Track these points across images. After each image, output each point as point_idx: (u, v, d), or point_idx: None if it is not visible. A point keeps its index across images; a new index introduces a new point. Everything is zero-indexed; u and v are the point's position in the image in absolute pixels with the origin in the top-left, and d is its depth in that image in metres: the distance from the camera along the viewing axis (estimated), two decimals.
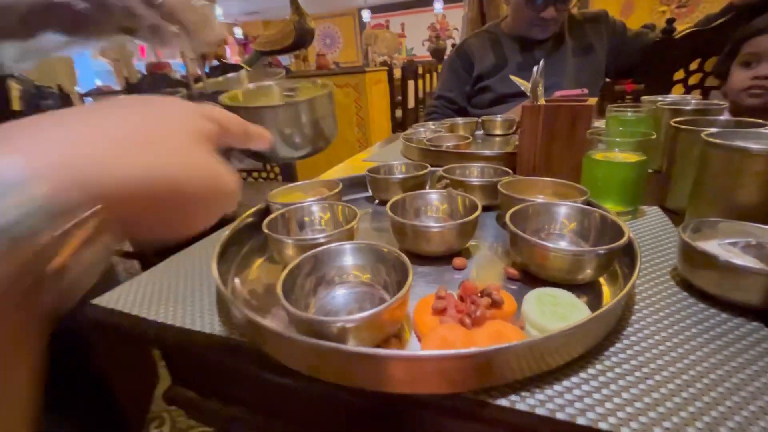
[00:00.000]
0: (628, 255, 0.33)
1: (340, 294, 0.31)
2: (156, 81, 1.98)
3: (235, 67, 1.78)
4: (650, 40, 1.19)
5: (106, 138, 0.14)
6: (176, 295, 0.37)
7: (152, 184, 0.15)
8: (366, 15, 6.77)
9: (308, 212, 0.42)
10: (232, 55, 6.90)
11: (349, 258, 0.32)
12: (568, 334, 0.24)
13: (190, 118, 0.18)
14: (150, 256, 1.71)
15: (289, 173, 1.89)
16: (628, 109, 0.67)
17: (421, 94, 3.32)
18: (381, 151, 0.96)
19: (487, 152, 0.70)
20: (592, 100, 0.56)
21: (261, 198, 0.53)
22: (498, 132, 0.98)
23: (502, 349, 0.22)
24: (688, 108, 0.59)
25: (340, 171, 0.82)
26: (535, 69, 0.56)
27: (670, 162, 0.48)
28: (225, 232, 0.41)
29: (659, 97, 0.71)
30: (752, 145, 0.35)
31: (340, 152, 2.73)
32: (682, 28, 1.18)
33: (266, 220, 0.39)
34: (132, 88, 2.01)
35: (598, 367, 0.25)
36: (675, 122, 0.47)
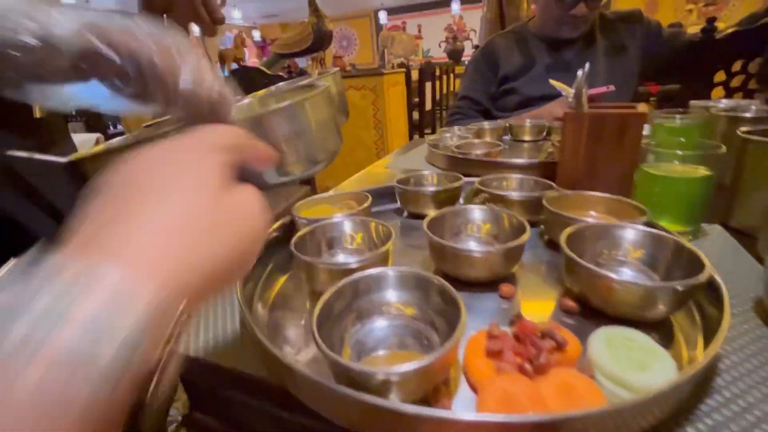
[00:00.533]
0: (707, 290, 0.29)
1: (379, 327, 0.28)
2: None
3: (254, 70, 1.77)
4: (688, 40, 1.13)
5: (171, 231, 0.15)
6: (198, 322, 0.34)
7: (216, 266, 0.16)
8: (382, 17, 6.76)
9: (339, 229, 0.39)
10: (250, 58, 6.99)
11: (391, 286, 0.29)
12: (665, 393, 0.20)
13: (207, 167, 0.17)
14: None
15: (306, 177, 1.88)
16: (677, 116, 0.62)
17: (438, 96, 3.27)
18: (404, 157, 0.92)
19: (521, 161, 0.66)
20: (643, 107, 0.52)
21: (279, 202, 0.50)
22: (527, 138, 0.93)
23: (586, 415, 0.18)
24: (748, 115, 0.54)
25: (361, 178, 0.79)
26: (579, 72, 0.51)
27: (737, 176, 0.43)
28: None
29: (710, 102, 0.66)
30: None
31: (357, 155, 2.71)
32: (723, 27, 1.11)
33: (294, 239, 0.36)
34: None
35: (690, 431, 0.21)
36: (744, 132, 0.42)
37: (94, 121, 2.23)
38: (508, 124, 0.96)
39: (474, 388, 0.24)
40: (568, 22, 1.04)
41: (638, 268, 0.33)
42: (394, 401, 0.20)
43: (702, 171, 0.40)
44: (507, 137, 0.97)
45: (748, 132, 0.42)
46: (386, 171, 0.82)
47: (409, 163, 0.85)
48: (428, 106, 3.18)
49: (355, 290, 0.28)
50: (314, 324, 0.24)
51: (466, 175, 0.53)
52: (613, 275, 0.28)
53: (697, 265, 0.28)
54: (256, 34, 7.06)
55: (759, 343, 0.27)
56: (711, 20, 1.09)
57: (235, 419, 0.37)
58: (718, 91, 1.18)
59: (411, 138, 3.09)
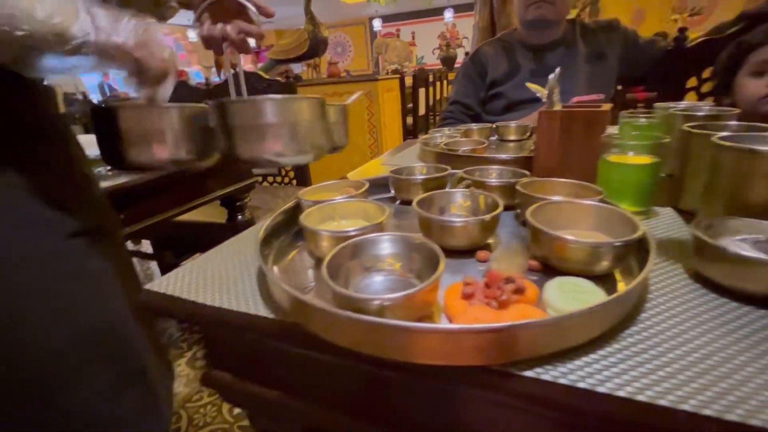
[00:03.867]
0: (642, 250, 0.36)
1: (376, 281, 0.34)
2: (175, 88, 2.05)
3: (253, 75, 1.83)
4: (662, 49, 1.21)
5: None
6: (221, 282, 0.40)
7: None
8: (377, 24, 6.88)
9: (341, 208, 0.45)
10: (245, 63, 7.05)
11: (385, 247, 0.35)
12: (588, 313, 0.26)
13: None
14: (168, 256, 1.76)
15: (302, 178, 1.94)
16: (641, 116, 0.69)
17: (431, 102, 3.37)
18: (398, 155, 0.99)
19: (504, 156, 0.73)
20: (607, 106, 0.59)
21: (276, 202, 0.56)
22: (512, 138, 1.00)
23: (531, 323, 0.25)
24: (700, 114, 0.62)
25: (357, 174, 0.85)
26: (551, 76, 0.58)
27: (683, 165, 0.50)
28: (265, 224, 0.44)
29: (671, 104, 0.73)
30: (761, 147, 0.37)
31: (353, 158, 2.77)
32: (695, 36, 1.20)
33: (303, 215, 0.42)
34: None
35: (616, 345, 0.28)
36: (688, 126, 0.49)
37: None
38: (494, 125, 1.03)
39: (452, 322, 0.31)
40: (533, 2, 1.11)
41: (590, 234, 0.39)
42: (387, 318, 0.26)
43: (650, 159, 0.47)
44: (494, 138, 1.04)
45: (691, 126, 0.49)
46: (381, 168, 0.88)
47: (403, 160, 0.92)
48: (422, 111, 3.27)
49: (357, 250, 0.34)
50: (325, 269, 0.30)
51: (455, 170, 0.60)
52: (566, 236, 0.34)
53: (634, 229, 0.35)
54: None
55: (681, 290, 0.34)
56: (682, 30, 1.18)
57: (250, 369, 0.43)
58: (691, 96, 1.27)
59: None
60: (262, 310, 0.35)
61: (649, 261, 0.31)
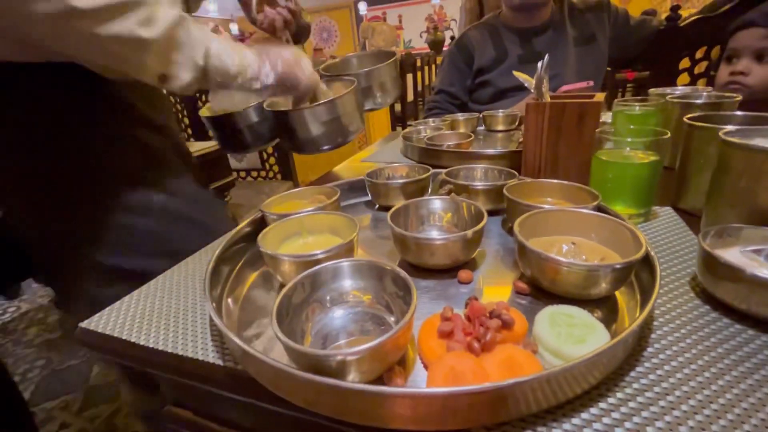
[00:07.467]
0: (645, 266, 0.31)
1: (338, 316, 0.30)
2: None
3: None
4: (654, 28, 1.16)
5: None
6: (168, 317, 0.35)
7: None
8: (362, 7, 6.67)
9: (308, 221, 0.40)
10: None
11: (347, 277, 0.30)
12: (589, 362, 0.22)
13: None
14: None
15: (287, 172, 1.87)
16: (636, 104, 0.65)
17: (419, 87, 3.27)
18: (380, 150, 0.93)
19: (490, 151, 0.68)
20: (600, 96, 0.54)
21: (260, 198, 0.52)
22: (500, 128, 0.95)
23: (518, 383, 0.20)
24: (699, 102, 0.57)
25: (340, 171, 0.80)
26: (539, 64, 0.53)
27: (684, 160, 0.46)
28: (218, 248, 0.39)
29: (668, 90, 0.68)
30: None
31: (341, 148, 2.70)
32: (684, 14, 1.15)
33: (261, 234, 0.37)
34: None
35: (619, 395, 0.23)
36: (689, 119, 0.45)
37: None
38: (481, 115, 0.98)
39: (427, 367, 0.26)
40: None
41: (589, 246, 0.35)
42: (336, 380, 0.21)
43: (650, 156, 0.42)
44: (481, 128, 0.99)
45: (692, 118, 0.45)
46: (362, 165, 0.83)
47: (385, 156, 0.86)
48: (410, 97, 3.18)
49: (315, 282, 0.29)
50: (274, 316, 0.25)
51: (438, 166, 0.55)
52: (557, 258, 0.30)
53: (637, 245, 0.31)
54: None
55: (690, 315, 0.30)
56: (675, 8, 1.12)
57: (208, 408, 0.38)
58: (683, 77, 1.22)
59: (394, 130, 3.10)
60: (211, 356, 0.30)
61: (654, 292, 0.27)
